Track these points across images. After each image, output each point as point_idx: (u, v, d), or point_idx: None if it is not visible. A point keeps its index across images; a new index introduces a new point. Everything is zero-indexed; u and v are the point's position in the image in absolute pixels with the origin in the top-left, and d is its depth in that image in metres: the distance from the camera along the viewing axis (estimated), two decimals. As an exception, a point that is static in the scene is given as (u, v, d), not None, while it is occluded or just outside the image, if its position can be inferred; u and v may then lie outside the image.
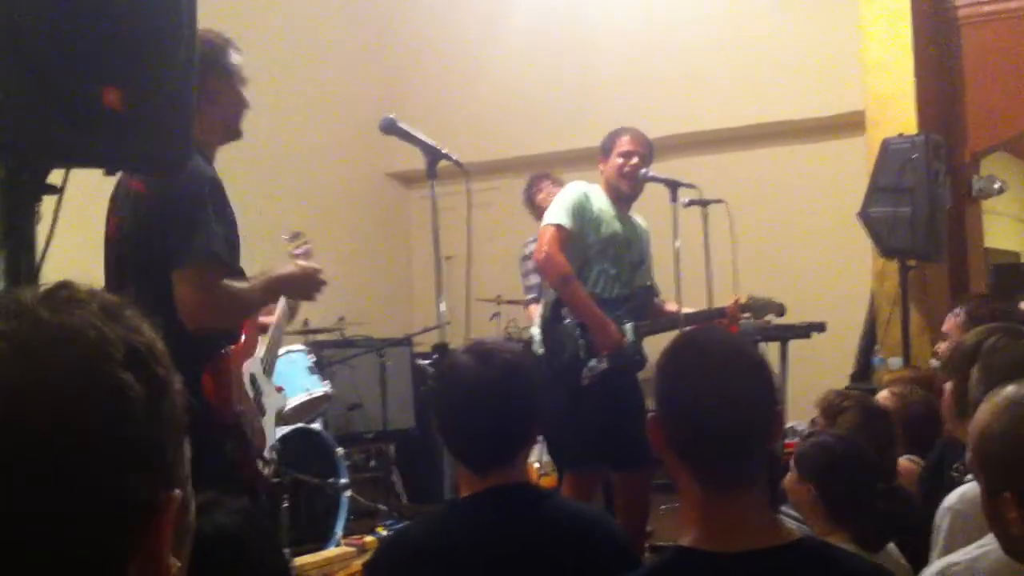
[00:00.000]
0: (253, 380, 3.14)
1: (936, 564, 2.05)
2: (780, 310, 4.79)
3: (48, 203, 1.88)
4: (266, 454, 3.12)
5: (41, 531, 0.75)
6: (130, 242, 2.79)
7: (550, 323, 4.52)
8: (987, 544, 1.92)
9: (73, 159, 1.84)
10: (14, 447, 0.74)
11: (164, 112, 1.87)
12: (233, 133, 3.04)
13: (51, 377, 0.77)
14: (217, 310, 2.80)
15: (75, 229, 2.74)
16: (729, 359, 1.73)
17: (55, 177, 1.90)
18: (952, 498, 2.50)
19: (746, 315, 4.75)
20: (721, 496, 1.66)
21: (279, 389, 3.51)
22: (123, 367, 0.80)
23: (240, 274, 2.90)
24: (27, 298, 0.82)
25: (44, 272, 1.88)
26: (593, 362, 4.37)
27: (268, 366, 3.40)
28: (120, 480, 0.78)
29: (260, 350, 3.34)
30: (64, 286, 0.84)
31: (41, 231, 1.89)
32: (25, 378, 0.76)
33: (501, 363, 2.16)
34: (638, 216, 4.84)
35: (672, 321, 4.73)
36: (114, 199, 2.86)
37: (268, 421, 3.24)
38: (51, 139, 1.75)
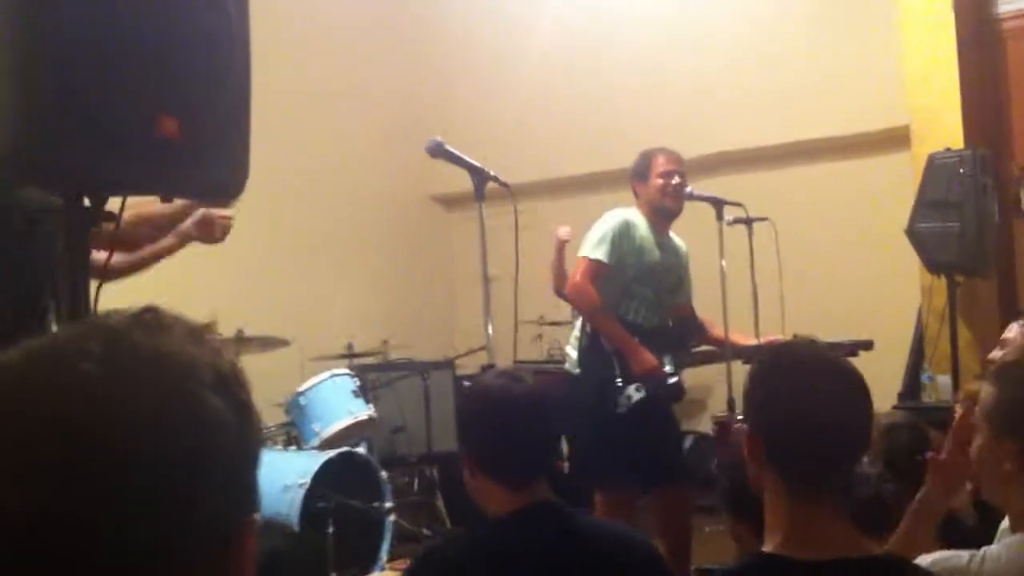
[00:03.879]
0: None
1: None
2: (844, 354, 4.69)
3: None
4: None
5: (135, 552, 0.75)
6: None
7: (587, 348, 4.50)
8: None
9: (129, 188, 1.85)
10: (111, 469, 0.74)
11: (219, 137, 1.87)
12: None
13: (148, 400, 0.77)
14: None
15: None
16: (833, 374, 1.75)
17: (113, 203, 1.91)
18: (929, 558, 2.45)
19: None
20: (811, 506, 1.69)
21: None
22: (212, 391, 0.81)
23: None
24: (116, 322, 0.83)
25: (102, 298, 1.89)
26: (631, 390, 4.35)
27: None
28: (213, 502, 0.79)
29: None
30: (150, 310, 0.85)
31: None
32: (122, 400, 0.76)
33: (530, 381, 2.29)
34: (676, 237, 4.80)
35: (713, 354, 4.71)
36: None
37: None
38: (106, 169, 1.74)
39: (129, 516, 0.74)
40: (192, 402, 0.79)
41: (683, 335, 4.67)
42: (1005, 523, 2.46)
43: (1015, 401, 2.03)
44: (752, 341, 4.73)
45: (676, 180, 4.56)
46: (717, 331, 4.72)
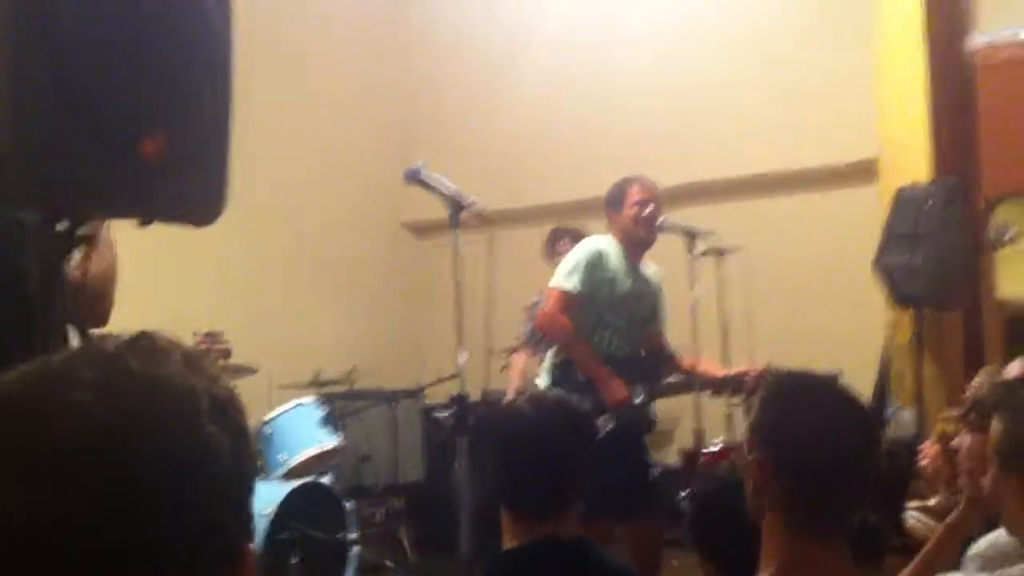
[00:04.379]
0: None
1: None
2: None
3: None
4: None
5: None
6: None
7: (559, 378, 4.48)
8: None
9: (109, 209, 1.81)
10: (106, 497, 0.73)
11: (200, 160, 1.84)
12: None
13: (142, 426, 0.76)
14: None
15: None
16: (839, 400, 1.73)
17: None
18: (980, 544, 2.48)
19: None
20: (808, 540, 1.67)
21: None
22: (209, 418, 0.79)
23: None
24: (111, 347, 0.81)
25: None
26: (601, 420, 4.28)
27: None
28: (211, 531, 0.78)
29: None
30: (145, 336, 0.84)
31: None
32: (115, 427, 0.75)
33: (567, 412, 2.20)
34: (650, 266, 4.80)
35: (684, 385, 4.69)
36: None
37: None
38: (88, 189, 1.71)
39: (119, 544, 0.73)
40: (188, 430, 0.78)
41: (655, 365, 4.66)
42: (974, 549, 2.47)
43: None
44: (721, 372, 4.73)
45: (650, 209, 4.56)
46: (688, 361, 4.71)
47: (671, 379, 4.74)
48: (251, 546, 0.83)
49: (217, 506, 0.78)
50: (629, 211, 4.57)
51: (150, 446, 0.75)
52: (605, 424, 4.30)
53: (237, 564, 0.81)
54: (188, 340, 3.76)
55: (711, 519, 2.40)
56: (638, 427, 4.51)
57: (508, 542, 2.15)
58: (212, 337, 4.75)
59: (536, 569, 2.08)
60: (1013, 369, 4.16)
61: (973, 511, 2.57)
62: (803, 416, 1.74)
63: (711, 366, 4.72)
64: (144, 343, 0.82)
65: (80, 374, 0.77)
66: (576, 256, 4.53)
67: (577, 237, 5.53)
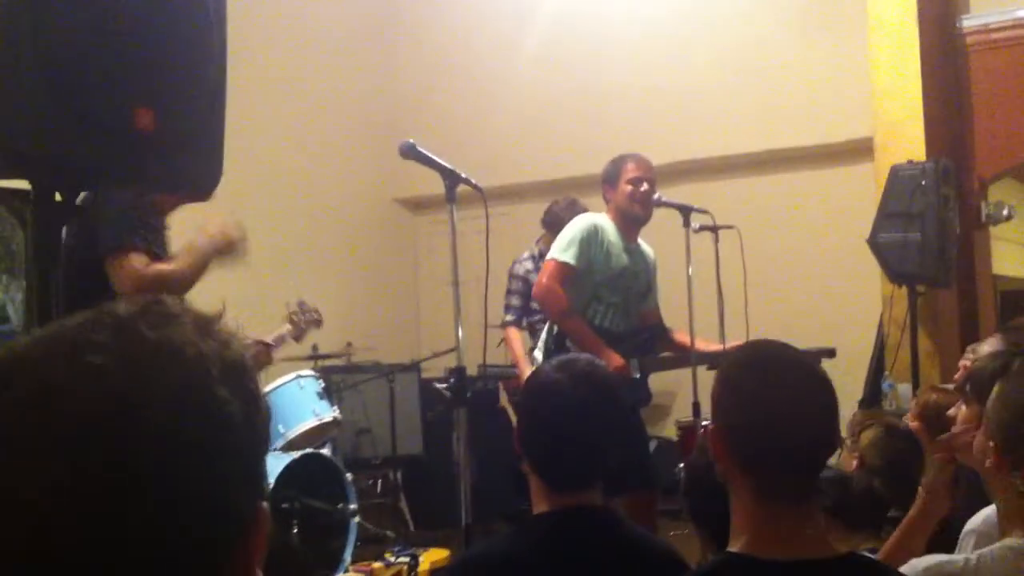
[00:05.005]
0: None
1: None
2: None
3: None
4: None
5: (143, 542, 0.75)
6: (73, 264, 2.92)
7: (553, 352, 4.48)
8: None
9: (104, 181, 1.84)
10: (118, 461, 0.74)
11: (194, 133, 1.87)
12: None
13: (155, 392, 0.77)
14: (158, 287, 2.90)
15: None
16: (800, 374, 1.75)
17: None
18: (975, 521, 2.50)
19: None
20: (777, 507, 1.68)
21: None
22: (220, 382, 0.81)
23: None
24: (123, 312, 0.82)
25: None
26: None
27: None
28: (223, 493, 0.79)
29: None
30: (158, 302, 0.85)
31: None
32: (129, 393, 0.76)
33: (600, 383, 2.17)
34: (645, 244, 4.83)
35: (680, 359, 4.72)
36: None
37: None
38: (83, 160, 1.74)
39: (132, 508, 0.74)
40: (202, 394, 0.79)
41: (650, 340, 4.70)
42: (969, 525, 2.50)
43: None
44: (717, 347, 4.76)
45: (645, 187, 4.59)
46: (681, 337, 4.75)
47: (666, 354, 4.78)
48: (264, 504, 0.85)
49: (230, 467, 0.80)
50: (624, 188, 4.60)
51: (163, 410, 0.76)
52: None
53: (250, 522, 0.83)
54: (282, 312, 3.80)
55: (703, 490, 2.44)
56: (633, 400, 4.53)
57: (538, 508, 2.15)
58: (304, 307, 4.63)
59: (567, 535, 2.09)
60: (988, 344, 4.20)
61: (935, 502, 2.59)
62: (753, 382, 1.75)
63: (705, 343, 4.76)
64: (156, 308, 0.84)
65: (95, 337, 0.78)
66: (572, 230, 4.56)
67: (572, 205, 5.54)
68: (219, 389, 0.80)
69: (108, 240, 2.88)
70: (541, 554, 2.07)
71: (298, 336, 4.10)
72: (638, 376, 4.50)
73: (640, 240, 4.79)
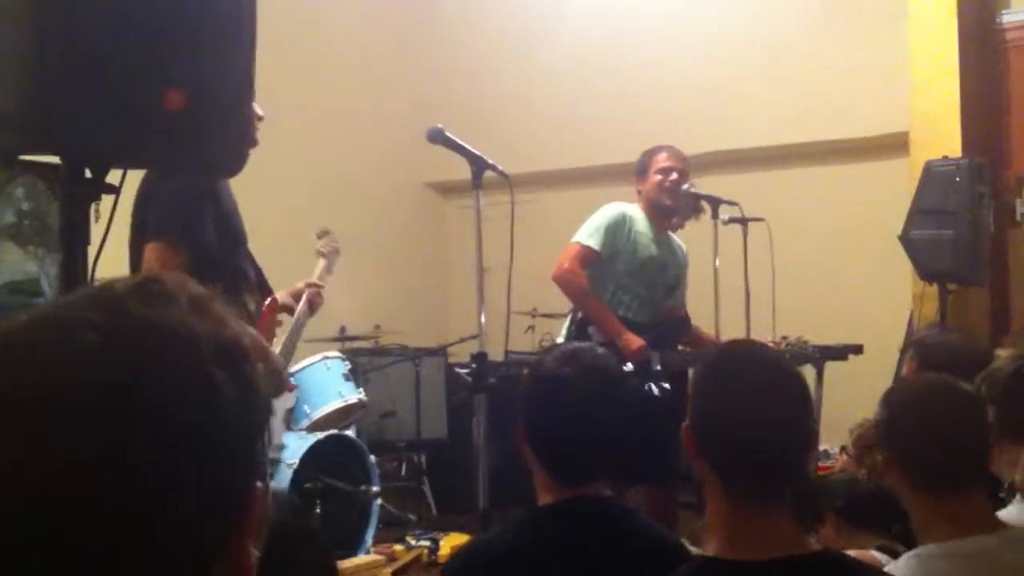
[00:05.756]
0: None
1: None
2: (833, 357, 4.59)
3: (105, 201, 1.90)
4: (272, 454, 3.12)
5: (134, 522, 0.75)
6: (133, 244, 2.90)
7: (575, 339, 4.52)
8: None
9: (132, 160, 1.86)
10: (107, 442, 0.74)
11: (223, 115, 1.88)
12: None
13: (144, 372, 0.77)
14: None
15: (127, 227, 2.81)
16: (768, 373, 1.74)
17: (112, 176, 1.92)
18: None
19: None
20: (749, 507, 1.67)
21: (290, 388, 3.51)
22: (213, 363, 0.80)
23: (235, 268, 3.00)
24: (118, 291, 0.82)
25: (100, 271, 1.89)
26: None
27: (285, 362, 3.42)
28: (214, 475, 0.79)
29: (276, 345, 3.34)
30: (154, 280, 0.84)
31: (97, 229, 1.91)
32: (117, 373, 0.76)
33: (606, 376, 2.15)
34: (676, 238, 4.82)
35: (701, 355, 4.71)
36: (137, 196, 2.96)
37: (276, 420, 3.26)
38: (112, 139, 1.76)
39: (123, 488, 0.74)
40: (194, 375, 0.79)
41: (673, 333, 4.68)
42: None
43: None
44: None
45: (674, 176, 4.59)
46: (706, 335, 4.73)
47: (688, 350, 4.76)
48: (259, 485, 0.84)
49: (223, 449, 0.79)
50: (654, 178, 4.61)
51: (154, 392, 0.76)
52: None
53: (244, 502, 0.82)
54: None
55: None
56: (654, 393, 4.48)
57: (543, 499, 2.14)
58: (328, 236, 4.54)
59: (573, 526, 2.09)
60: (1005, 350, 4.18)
61: None
62: (721, 382, 1.74)
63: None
64: (151, 287, 0.83)
65: (88, 316, 0.78)
66: (600, 217, 4.58)
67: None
68: (213, 370, 0.79)
69: (152, 225, 2.87)
70: (547, 545, 2.06)
71: (330, 267, 4.17)
72: (658, 368, 4.47)
73: (672, 234, 4.79)
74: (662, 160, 4.63)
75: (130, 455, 0.75)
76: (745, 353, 1.82)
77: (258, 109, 2.90)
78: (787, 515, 1.68)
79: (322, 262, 4.19)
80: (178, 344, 0.79)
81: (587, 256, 4.50)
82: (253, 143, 3.00)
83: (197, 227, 2.89)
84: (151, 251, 2.85)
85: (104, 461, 0.74)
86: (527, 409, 2.21)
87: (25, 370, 0.76)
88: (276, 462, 3.19)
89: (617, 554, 2.06)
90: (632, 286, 4.56)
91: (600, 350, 2.29)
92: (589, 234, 4.53)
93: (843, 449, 3.56)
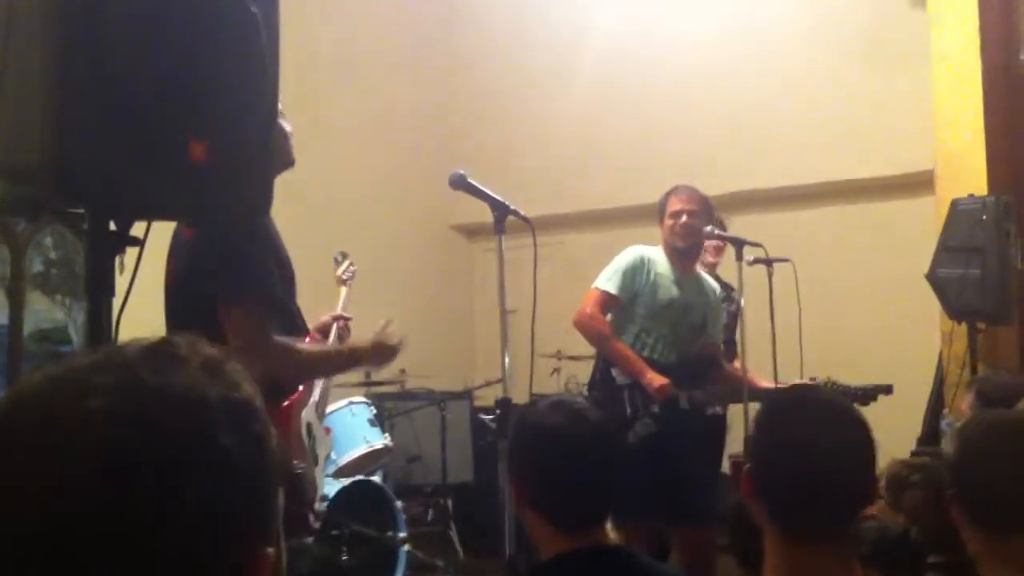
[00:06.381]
0: (309, 429, 3.14)
1: None
2: (862, 398, 4.54)
3: (130, 253, 1.91)
4: (316, 505, 3.10)
5: None
6: (182, 291, 2.83)
7: (598, 382, 4.60)
8: None
9: (156, 211, 1.87)
10: (105, 504, 0.75)
11: (246, 163, 1.89)
12: (285, 163, 2.92)
13: (147, 435, 0.78)
14: (297, 365, 2.86)
15: (156, 279, 2.80)
16: (835, 420, 1.74)
17: (137, 227, 1.93)
18: None
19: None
20: (808, 550, 1.68)
21: (327, 430, 3.49)
22: (221, 427, 0.81)
23: (293, 313, 2.95)
24: (129, 355, 0.83)
25: (124, 322, 1.90)
26: (639, 426, 4.40)
27: (321, 410, 3.39)
28: (216, 538, 0.79)
29: (315, 394, 3.33)
30: (166, 343, 0.85)
31: (122, 281, 1.92)
32: (120, 434, 0.77)
33: (595, 423, 2.16)
34: (706, 277, 4.83)
35: (730, 393, 4.68)
36: (172, 246, 2.89)
37: (318, 469, 3.24)
38: (135, 191, 1.77)
39: (130, 552, 0.75)
40: (200, 441, 0.79)
41: (701, 374, 4.66)
42: None
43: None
44: (768, 384, 4.72)
45: (684, 219, 4.62)
46: (734, 369, 4.72)
47: (718, 387, 4.73)
48: (268, 550, 0.84)
49: (227, 513, 0.80)
50: (667, 222, 4.66)
51: (157, 460, 0.77)
52: (644, 430, 4.38)
53: (251, 569, 0.82)
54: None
55: (748, 529, 2.42)
56: (684, 431, 4.49)
57: (547, 553, 2.13)
58: (345, 262, 4.54)
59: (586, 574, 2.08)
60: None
61: None
62: (784, 432, 1.75)
63: (758, 379, 4.71)
64: (164, 350, 0.84)
65: (98, 380, 0.79)
66: (618, 261, 4.62)
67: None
68: (221, 435, 0.80)
69: (234, 282, 2.70)
70: None
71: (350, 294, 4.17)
72: (687, 408, 4.47)
73: (702, 273, 4.82)
74: (672, 203, 4.66)
75: (128, 522, 0.75)
76: (813, 398, 1.83)
77: (285, 124, 2.86)
78: (845, 558, 1.71)
79: (344, 291, 4.18)
80: (186, 409, 0.80)
81: (606, 301, 4.56)
82: (290, 163, 2.95)
83: (267, 282, 2.78)
84: (235, 319, 2.69)
85: (102, 526, 0.74)
86: (517, 461, 2.22)
87: (31, 433, 0.77)
88: (320, 514, 3.15)
89: None
90: (654, 328, 4.57)
91: (580, 400, 2.32)
92: (608, 279, 4.59)
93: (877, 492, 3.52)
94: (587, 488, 2.12)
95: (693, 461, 4.58)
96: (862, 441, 1.73)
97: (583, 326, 4.66)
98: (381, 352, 3.21)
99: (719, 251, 5.48)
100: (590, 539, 2.12)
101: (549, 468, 2.15)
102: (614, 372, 4.52)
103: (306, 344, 3.00)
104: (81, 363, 0.82)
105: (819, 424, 1.73)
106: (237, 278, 2.70)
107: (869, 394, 5.33)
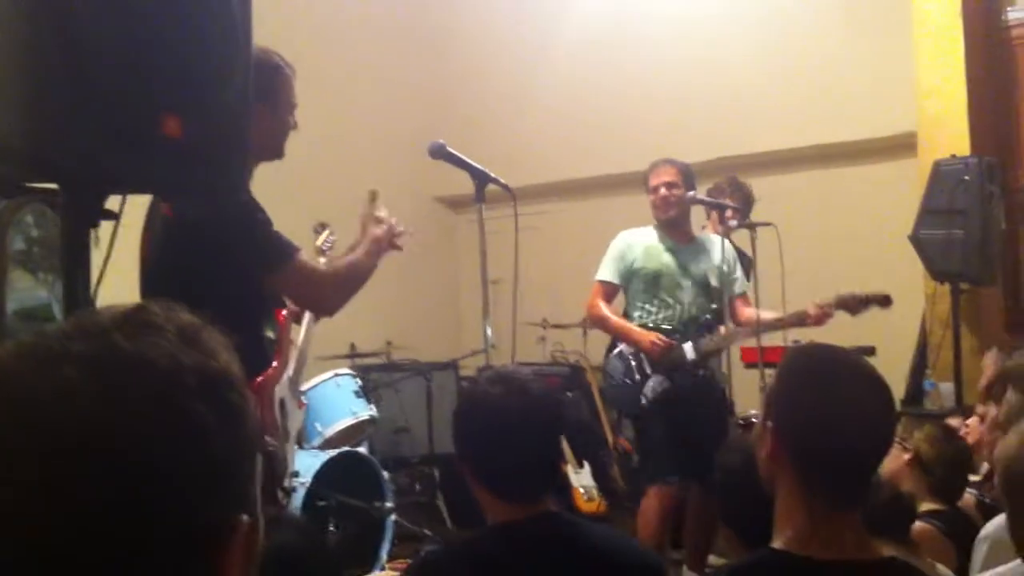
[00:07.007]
0: (282, 404, 3.12)
1: None
2: (885, 302, 4.83)
3: (105, 228, 1.90)
4: (286, 482, 3.08)
5: (108, 556, 0.75)
6: (158, 266, 2.83)
7: (608, 355, 4.98)
8: (1018, 569, 1.92)
9: (130, 186, 1.86)
10: (81, 474, 0.75)
11: (221, 139, 1.87)
12: (273, 154, 3.02)
13: (121, 405, 0.77)
14: (341, 289, 2.96)
15: (131, 253, 2.79)
16: (859, 379, 1.74)
17: (112, 202, 1.92)
18: (988, 528, 2.49)
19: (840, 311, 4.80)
20: (826, 508, 1.69)
21: (301, 405, 3.48)
22: (196, 396, 0.80)
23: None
24: (104, 321, 0.82)
25: (100, 296, 1.89)
26: (652, 382, 4.72)
27: (294, 386, 3.38)
28: (189, 507, 0.79)
29: (289, 369, 3.32)
30: (142, 309, 0.84)
31: (97, 255, 1.91)
32: (95, 405, 0.76)
33: (533, 394, 2.17)
34: (708, 238, 5.04)
35: (731, 336, 4.90)
36: (148, 220, 2.90)
37: (290, 445, 3.22)
38: (109, 166, 1.75)
39: (95, 521, 0.75)
40: (171, 408, 0.78)
41: (710, 324, 4.89)
42: (983, 531, 2.48)
43: None
44: (774, 315, 4.84)
45: (662, 192, 4.89)
46: (745, 314, 4.93)
47: (729, 330, 4.91)
48: (241, 521, 0.83)
49: (200, 481, 0.79)
50: (650, 197, 4.95)
51: (130, 425, 0.76)
52: (657, 386, 4.70)
53: (224, 537, 0.82)
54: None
55: (735, 490, 2.44)
56: (693, 386, 4.75)
57: (492, 519, 2.16)
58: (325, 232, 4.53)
59: (535, 544, 2.10)
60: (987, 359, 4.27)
61: None
62: (817, 392, 1.74)
63: (768, 314, 4.85)
64: (138, 317, 0.83)
65: (72, 347, 0.78)
66: (608, 251, 5.02)
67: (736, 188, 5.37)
68: (192, 402, 0.79)
69: (270, 250, 2.80)
70: (498, 565, 2.08)
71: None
72: (694, 357, 4.74)
73: (702, 236, 5.06)
74: (651, 179, 4.95)
75: (99, 489, 0.74)
76: (837, 357, 1.83)
77: (292, 119, 3.09)
78: (858, 519, 1.72)
79: (323, 262, 4.16)
80: (158, 376, 0.79)
81: (605, 289, 4.99)
82: (277, 156, 3.05)
83: (285, 238, 2.87)
84: (292, 281, 2.85)
85: (71, 493, 0.74)
86: (459, 432, 2.25)
87: (5, 402, 0.77)
88: (290, 490, 3.14)
89: (571, 564, 2.09)
90: (654, 296, 4.89)
91: (526, 371, 2.31)
92: (602, 269, 4.99)
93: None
94: (525, 459, 2.13)
95: (705, 418, 4.75)
96: (887, 401, 1.75)
97: (588, 316, 5.15)
98: (387, 234, 3.23)
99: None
100: (535, 509, 2.13)
101: (485, 440, 2.17)
102: (620, 345, 4.88)
103: (333, 263, 3.11)
104: (55, 330, 0.81)
105: (849, 383, 1.73)
106: (272, 246, 2.81)
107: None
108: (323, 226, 3.89)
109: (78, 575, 0.75)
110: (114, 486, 0.75)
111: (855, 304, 4.75)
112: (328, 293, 2.97)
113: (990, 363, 4.46)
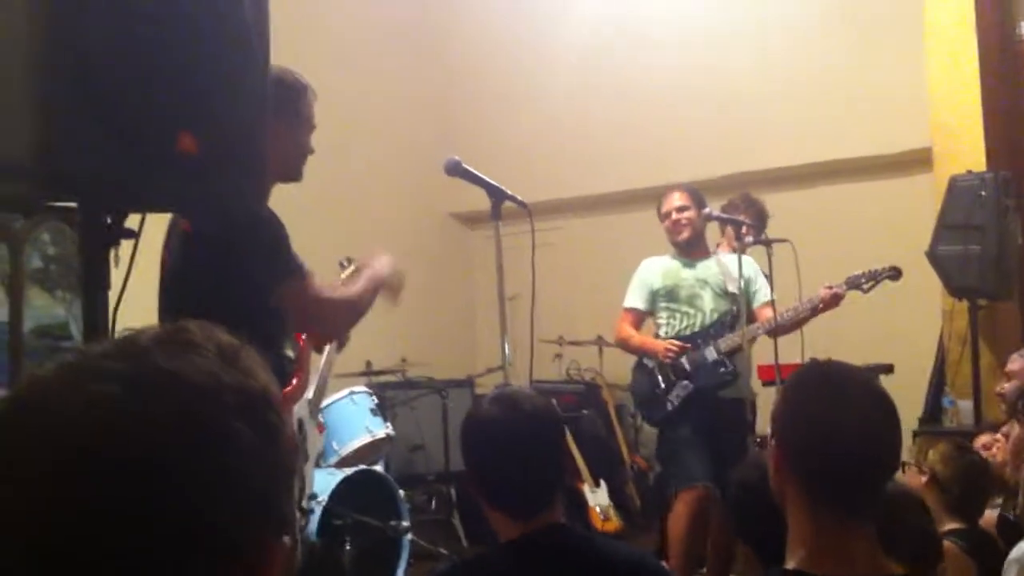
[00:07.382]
0: (300, 425, 3.12)
1: None
2: (894, 274, 4.94)
3: (125, 246, 1.90)
4: (304, 503, 3.07)
5: (141, 573, 0.75)
6: (176, 282, 2.84)
7: (633, 368, 5.17)
8: None
9: (146, 202, 1.86)
10: (114, 492, 0.74)
11: (237, 156, 1.87)
12: (291, 175, 3.01)
13: (159, 423, 0.77)
14: (345, 317, 2.95)
15: (152, 272, 2.79)
16: (863, 393, 1.74)
17: (131, 221, 1.92)
18: (1018, 550, 2.46)
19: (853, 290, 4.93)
20: (836, 524, 1.68)
21: (320, 429, 3.48)
22: (235, 415, 0.80)
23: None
24: (144, 340, 0.82)
25: (121, 315, 1.89)
26: (676, 390, 4.91)
27: (314, 408, 3.37)
28: (229, 525, 0.78)
29: (309, 391, 3.31)
30: (182, 329, 0.85)
31: (117, 274, 1.91)
32: (133, 422, 0.76)
33: (531, 412, 2.20)
34: (723, 254, 5.19)
35: (750, 332, 4.92)
36: (167, 236, 2.91)
37: (308, 466, 3.22)
38: (127, 184, 1.76)
39: (137, 537, 0.74)
40: (209, 427, 0.78)
41: (723, 329, 4.99)
42: (1013, 554, 2.45)
43: None
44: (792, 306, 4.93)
45: (673, 216, 5.09)
46: (765, 312, 4.99)
47: (747, 327, 4.91)
48: (279, 542, 0.83)
49: (234, 502, 0.79)
50: (664, 223, 5.14)
51: (169, 443, 0.76)
52: (681, 390, 4.89)
53: (263, 558, 0.81)
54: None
55: (752, 507, 2.42)
56: (715, 387, 4.90)
57: (503, 535, 2.18)
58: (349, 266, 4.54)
59: (540, 556, 2.12)
60: (1014, 363, 4.23)
61: None
62: (816, 401, 1.74)
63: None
64: (178, 336, 0.83)
65: (111, 365, 0.79)
66: (633, 279, 5.23)
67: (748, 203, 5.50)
68: (232, 421, 0.79)
69: (277, 270, 2.78)
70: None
71: None
72: (716, 357, 4.90)
73: (717, 252, 5.24)
74: (664, 205, 5.15)
75: (137, 506, 0.74)
76: (840, 372, 1.82)
77: (309, 141, 3.05)
78: (870, 534, 1.70)
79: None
80: (197, 394, 0.79)
81: (632, 317, 5.19)
82: (295, 178, 3.05)
83: (297, 259, 2.86)
84: (297, 298, 2.81)
85: (110, 509, 0.74)
86: (466, 454, 2.28)
87: (44, 416, 0.77)
88: (308, 511, 3.14)
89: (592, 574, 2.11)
90: (676, 310, 5.09)
91: (529, 393, 2.34)
92: (628, 296, 5.20)
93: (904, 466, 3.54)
94: (524, 476, 2.16)
95: (727, 427, 4.81)
96: (891, 415, 1.74)
97: (615, 341, 5.39)
98: (383, 276, 3.20)
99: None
100: (540, 523, 2.16)
101: (487, 459, 2.22)
102: (644, 360, 5.09)
103: (337, 290, 3.06)
104: (96, 350, 0.82)
105: (852, 398, 1.72)
106: (280, 258, 2.79)
107: (871, 373, 5.32)
108: (349, 261, 3.87)
109: None
110: (145, 500, 0.75)
111: (865, 282, 4.91)
112: (329, 317, 2.94)
113: (1016, 367, 4.43)
